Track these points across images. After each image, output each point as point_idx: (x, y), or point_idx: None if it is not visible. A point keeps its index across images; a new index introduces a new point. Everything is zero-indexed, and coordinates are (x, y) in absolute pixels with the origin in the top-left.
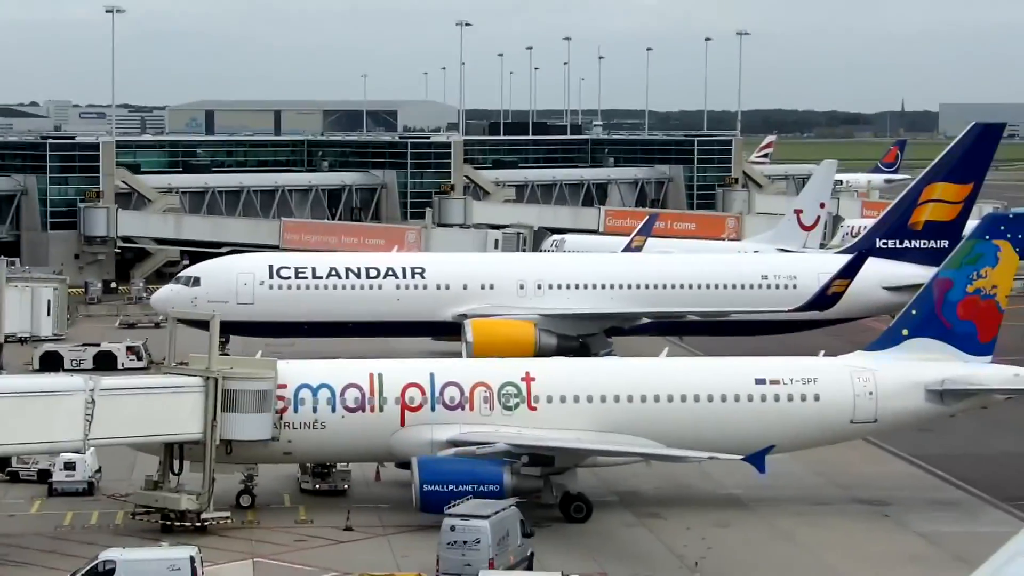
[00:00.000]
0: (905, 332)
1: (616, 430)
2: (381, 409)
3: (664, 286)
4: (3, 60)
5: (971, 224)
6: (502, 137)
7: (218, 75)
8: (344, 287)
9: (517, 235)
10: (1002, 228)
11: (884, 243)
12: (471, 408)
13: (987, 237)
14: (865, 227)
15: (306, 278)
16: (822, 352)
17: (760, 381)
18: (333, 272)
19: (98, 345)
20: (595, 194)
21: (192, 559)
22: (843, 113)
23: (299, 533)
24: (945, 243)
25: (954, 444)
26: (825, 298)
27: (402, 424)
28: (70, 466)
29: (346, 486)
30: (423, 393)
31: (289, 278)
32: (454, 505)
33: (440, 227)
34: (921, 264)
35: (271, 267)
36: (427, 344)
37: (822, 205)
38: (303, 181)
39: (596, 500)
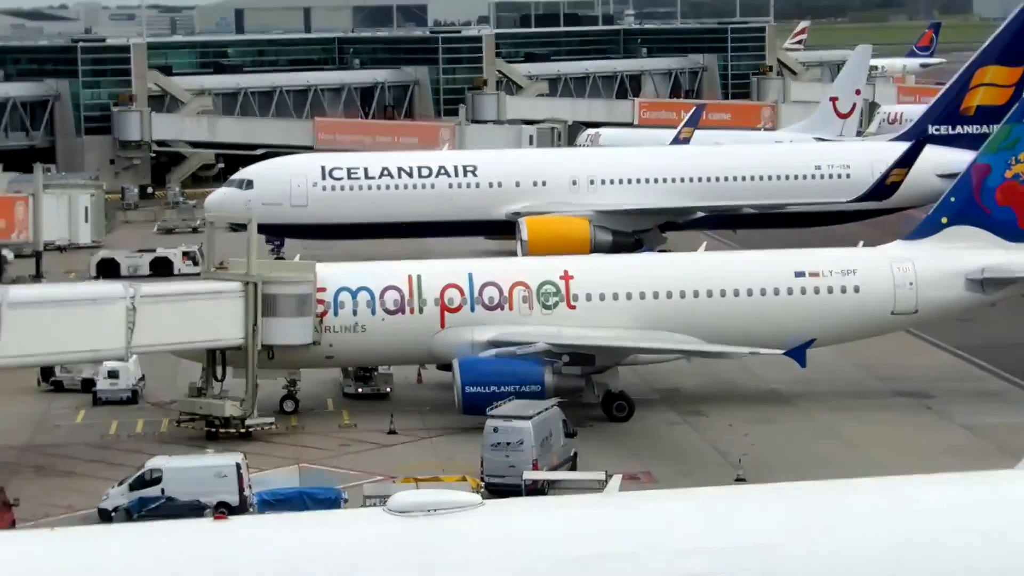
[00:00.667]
0: (944, 220)
1: (656, 327)
2: (421, 311)
3: (718, 178)
4: None
5: None
6: (533, 29)
7: None
8: (397, 187)
9: (551, 130)
10: None
11: (936, 129)
12: (510, 308)
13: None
14: (901, 113)
15: (359, 179)
16: (861, 243)
17: (800, 274)
18: (385, 172)
19: (154, 251)
20: (628, 86)
21: (238, 465)
22: None
23: (343, 437)
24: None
25: (996, 333)
26: (884, 188)
27: (442, 325)
28: (113, 374)
29: (388, 389)
30: (462, 294)
31: (342, 179)
32: (496, 406)
33: (474, 123)
34: (974, 150)
35: (323, 168)
36: (480, 244)
37: (857, 92)
38: (335, 80)
39: (638, 399)
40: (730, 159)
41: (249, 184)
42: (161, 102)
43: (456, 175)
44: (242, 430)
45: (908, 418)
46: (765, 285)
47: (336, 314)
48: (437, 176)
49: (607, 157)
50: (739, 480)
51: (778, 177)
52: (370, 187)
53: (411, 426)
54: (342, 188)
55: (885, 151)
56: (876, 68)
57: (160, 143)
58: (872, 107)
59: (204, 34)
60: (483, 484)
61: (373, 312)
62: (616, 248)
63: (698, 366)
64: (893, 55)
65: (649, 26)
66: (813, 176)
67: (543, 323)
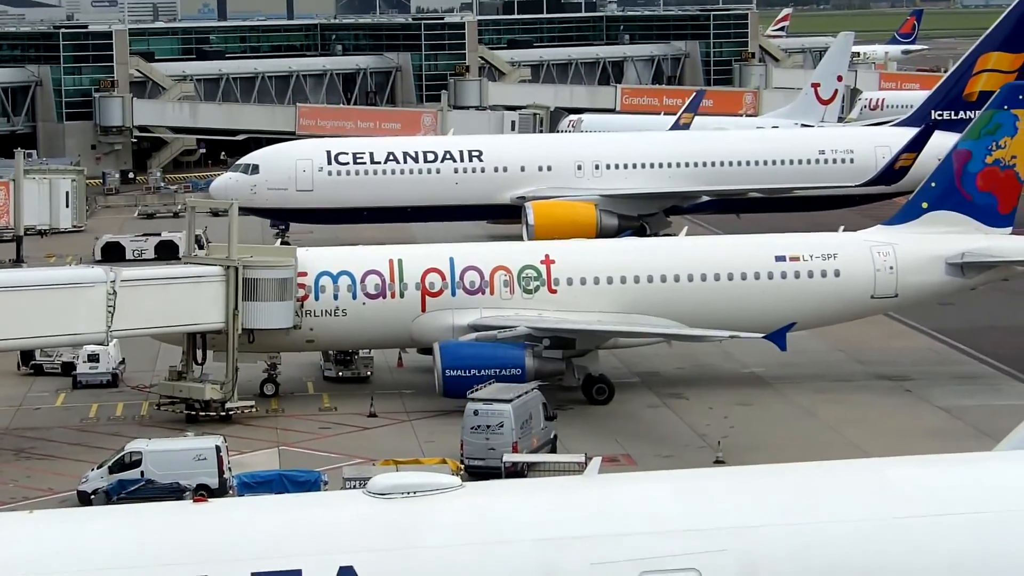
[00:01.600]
0: (925, 205)
1: (637, 311)
2: (402, 295)
3: (722, 163)
4: None
5: None
6: (516, 16)
7: None
8: (403, 171)
9: (534, 116)
10: (1021, 97)
11: (940, 115)
12: (491, 292)
13: (1006, 107)
14: (883, 99)
15: (364, 163)
16: (842, 227)
17: (780, 258)
18: (391, 157)
19: (159, 235)
20: (611, 72)
21: (218, 448)
22: None
23: (323, 420)
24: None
25: (975, 317)
26: (893, 172)
27: (423, 310)
28: (94, 358)
29: (369, 373)
30: (443, 278)
31: (347, 164)
32: (477, 390)
33: (456, 109)
34: None
35: (329, 153)
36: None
37: (839, 78)
38: (317, 66)
39: (618, 381)
40: (734, 144)
41: (255, 169)
42: (143, 88)
43: (462, 160)
44: (222, 413)
45: (887, 401)
46: (745, 269)
47: (317, 298)
48: (443, 161)
49: (612, 142)
50: (718, 462)
51: (782, 162)
52: (375, 172)
53: (391, 409)
54: (348, 173)
55: (888, 136)
56: (858, 55)
57: (141, 129)
58: (854, 94)
59: (186, 20)
60: (463, 467)
61: (354, 296)
62: (620, 232)
63: (678, 350)
64: (875, 42)
65: (631, 13)
66: (817, 161)
67: (524, 307)
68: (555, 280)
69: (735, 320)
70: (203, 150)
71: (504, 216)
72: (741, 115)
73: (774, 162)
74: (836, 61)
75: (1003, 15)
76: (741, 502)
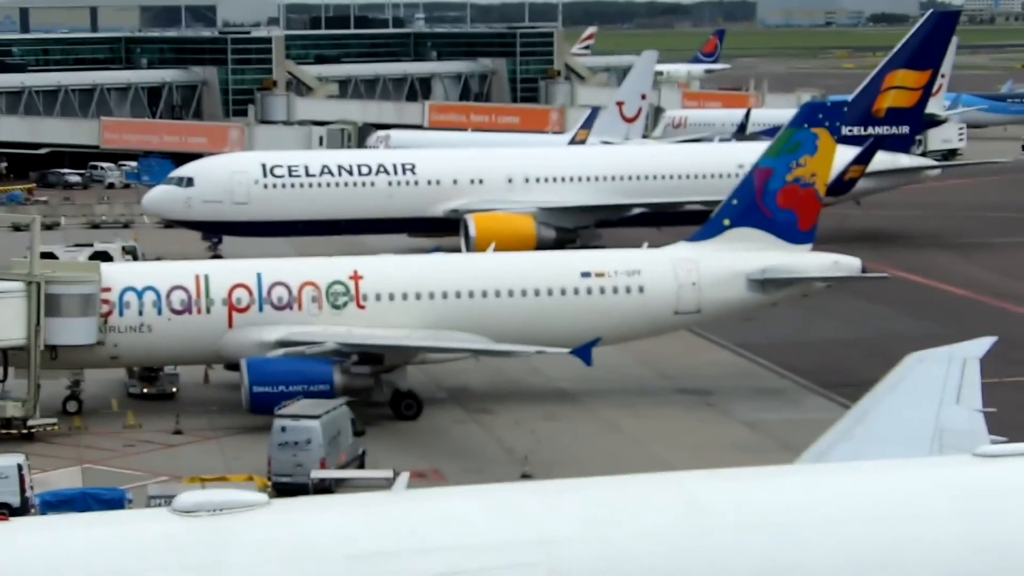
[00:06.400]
0: (727, 222)
1: (445, 326)
2: (208, 311)
3: (648, 176)
4: None
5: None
6: (324, 32)
7: None
8: (337, 184)
9: (342, 131)
10: (820, 116)
11: (850, 130)
12: (300, 308)
13: (806, 125)
14: (686, 118)
15: (300, 176)
16: (645, 244)
17: (585, 274)
18: (326, 170)
19: (92, 245)
20: (419, 89)
21: (20, 467)
22: (662, 3)
23: (128, 438)
24: (906, 129)
25: (776, 333)
26: (841, 184)
27: (230, 326)
28: None
29: (174, 390)
30: (251, 294)
31: (283, 176)
32: (284, 406)
33: (263, 124)
34: (885, 151)
35: (264, 165)
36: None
37: (643, 96)
38: (122, 79)
39: (426, 397)
40: (660, 158)
41: (189, 182)
42: None
43: (395, 173)
44: (24, 431)
45: (691, 415)
46: (552, 285)
47: (121, 314)
48: (376, 174)
49: (542, 157)
50: (525, 476)
51: (704, 176)
52: (311, 184)
53: (198, 426)
54: (283, 186)
55: None
56: (661, 73)
57: None
58: (657, 112)
59: None
60: (271, 483)
61: (159, 312)
62: (559, 243)
63: (486, 365)
64: (678, 61)
65: (439, 30)
66: (738, 175)
67: (332, 323)
68: (364, 296)
69: (542, 335)
70: (5, 163)
71: (438, 229)
72: (547, 132)
73: (696, 176)
74: (640, 80)
75: (909, 34)
76: (548, 516)
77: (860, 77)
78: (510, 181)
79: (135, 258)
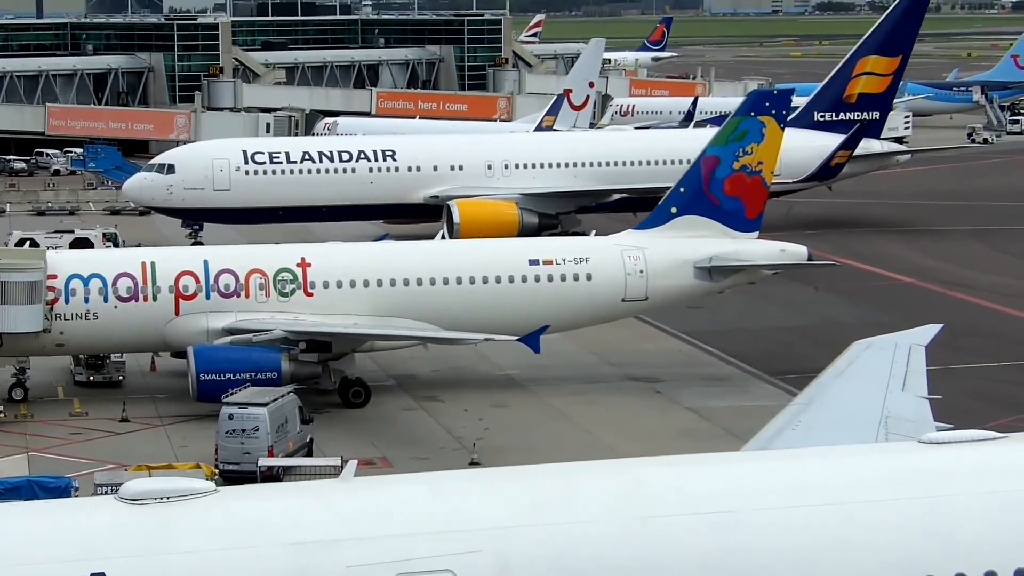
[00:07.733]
0: (674, 210)
1: (393, 314)
2: (154, 298)
3: (627, 163)
4: None
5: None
6: (271, 18)
7: None
8: (318, 171)
9: (289, 118)
10: (767, 104)
11: (821, 116)
12: (247, 295)
13: (752, 113)
14: (633, 105)
15: (280, 163)
16: (593, 232)
17: (533, 262)
18: (307, 156)
19: (72, 232)
20: (366, 76)
21: None
22: None
23: (74, 426)
24: (876, 114)
25: (723, 320)
26: (828, 169)
27: (176, 313)
28: None
29: (121, 377)
30: (197, 281)
31: (264, 163)
32: (232, 394)
33: (210, 111)
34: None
35: (246, 152)
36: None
37: (591, 84)
38: (67, 65)
39: (374, 385)
40: (636, 143)
41: (171, 168)
42: None
43: (376, 159)
44: None
45: (639, 402)
46: (500, 273)
47: (67, 301)
48: (357, 160)
49: (520, 143)
50: (473, 464)
51: (681, 161)
52: (292, 171)
53: (144, 414)
54: (264, 172)
55: (794, 137)
56: (609, 61)
57: None
58: (605, 99)
59: None
60: (218, 471)
61: (105, 299)
62: (540, 229)
63: (434, 352)
64: (626, 49)
65: (386, 16)
66: None
67: (280, 310)
68: (311, 283)
69: (490, 323)
70: None
71: (418, 215)
72: (495, 120)
73: (675, 161)
74: (587, 67)
75: (880, 19)
76: (496, 503)
77: (807, 65)
78: (489, 168)
79: (116, 245)
